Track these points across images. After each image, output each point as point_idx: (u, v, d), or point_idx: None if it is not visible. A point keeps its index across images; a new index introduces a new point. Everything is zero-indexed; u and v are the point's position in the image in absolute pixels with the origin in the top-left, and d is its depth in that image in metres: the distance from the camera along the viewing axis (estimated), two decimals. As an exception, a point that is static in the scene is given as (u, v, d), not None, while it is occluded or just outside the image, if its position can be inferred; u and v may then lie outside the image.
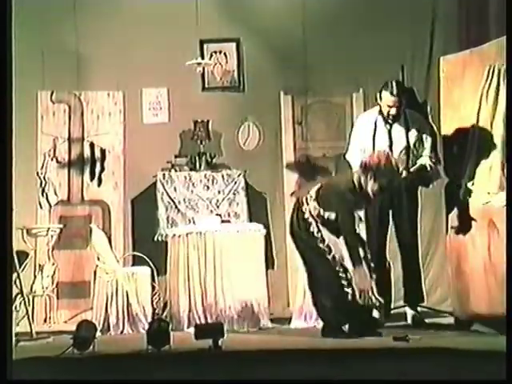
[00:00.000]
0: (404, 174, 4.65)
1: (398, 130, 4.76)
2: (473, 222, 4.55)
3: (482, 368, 3.37)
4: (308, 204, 4.39)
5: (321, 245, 4.34)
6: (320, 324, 4.50)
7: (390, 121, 4.75)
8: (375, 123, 4.78)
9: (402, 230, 4.78)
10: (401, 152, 4.73)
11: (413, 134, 4.74)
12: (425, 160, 4.74)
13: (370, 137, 4.78)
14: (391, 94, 4.68)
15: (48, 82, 5.76)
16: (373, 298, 4.25)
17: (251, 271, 4.98)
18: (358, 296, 4.25)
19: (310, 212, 4.38)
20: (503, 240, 4.38)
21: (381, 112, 4.77)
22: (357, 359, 3.61)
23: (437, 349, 3.69)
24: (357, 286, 4.25)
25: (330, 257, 4.32)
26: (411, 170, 4.73)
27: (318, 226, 4.36)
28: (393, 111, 4.70)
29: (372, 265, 4.34)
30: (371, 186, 4.24)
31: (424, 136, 4.75)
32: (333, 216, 4.33)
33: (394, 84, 4.69)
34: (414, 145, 4.74)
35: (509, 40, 4.05)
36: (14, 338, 3.75)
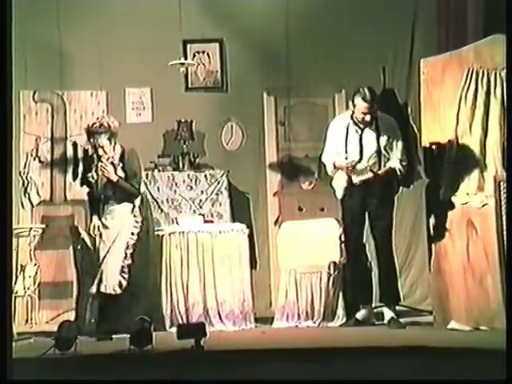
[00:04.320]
0: (370, 174, 4.70)
1: (369, 134, 4.77)
2: (452, 222, 4.61)
3: (459, 365, 3.41)
4: None
5: None
6: (302, 324, 4.50)
7: (361, 126, 4.76)
8: (347, 128, 4.79)
9: (377, 231, 4.81)
10: (371, 156, 4.76)
11: (384, 138, 4.75)
12: (394, 163, 4.75)
13: (343, 141, 4.79)
14: (364, 100, 4.65)
15: (30, 82, 5.73)
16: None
17: (234, 271, 4.99)
18: None
19: None
20: (481, 240, 4.45)
21: (352, 117, 4.77)
22: (343, 358, 3.63)
23: (414, 347, 3.73)
24: None
25: None
26: (379, 171, 4.74)
27: None
28: (367, 117, 4.71)
29: None
30: None
31: (395, 140, 4.76)
32: None
33: (366, 90, 4.66)
34: (385, 148, 4.76)
35: (509, 40, 4.06)
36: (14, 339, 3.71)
